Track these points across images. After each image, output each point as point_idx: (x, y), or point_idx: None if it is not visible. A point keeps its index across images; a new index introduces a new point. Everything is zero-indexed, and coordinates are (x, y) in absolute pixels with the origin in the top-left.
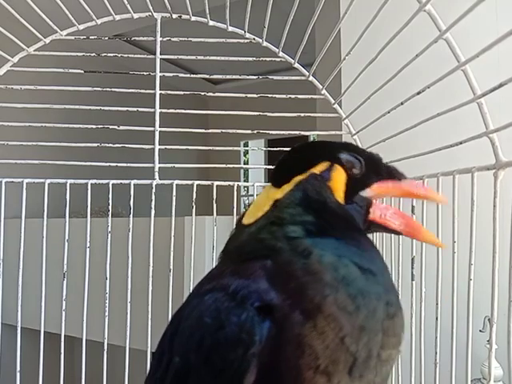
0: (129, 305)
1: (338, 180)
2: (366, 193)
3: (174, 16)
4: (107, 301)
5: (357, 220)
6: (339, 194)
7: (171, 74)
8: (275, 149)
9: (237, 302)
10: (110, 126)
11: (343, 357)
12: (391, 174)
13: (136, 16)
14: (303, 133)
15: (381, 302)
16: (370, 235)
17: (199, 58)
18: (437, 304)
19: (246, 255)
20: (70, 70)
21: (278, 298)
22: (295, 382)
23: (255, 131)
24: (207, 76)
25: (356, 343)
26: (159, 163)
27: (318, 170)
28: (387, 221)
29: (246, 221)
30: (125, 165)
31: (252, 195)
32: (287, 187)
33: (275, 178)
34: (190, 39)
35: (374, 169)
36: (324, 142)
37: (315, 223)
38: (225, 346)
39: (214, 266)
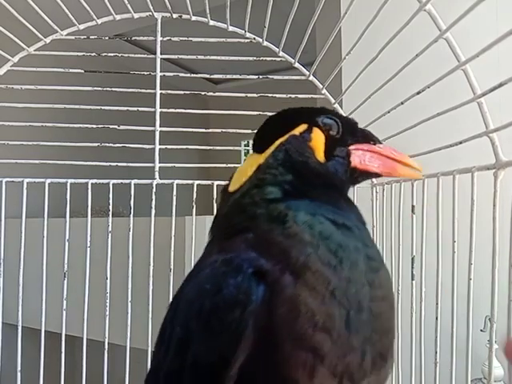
0: (129, 304)
1: (318, 140)
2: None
3: (175, 16)
4: (108, 300)
5: (340, 173)
6: (319, 154)
7: (172, 74)
8: None
9: (232, 267)
10: (111, 126)
11: (337, 310)
12: (367, 137)
13: (136, 16)
14: None
15: (360, 255)
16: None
17: (199, 57)
18: (437, 304)
19: (229, 230)
20: (71, 70)
21: (267, 264)
22: (295, 343)
23: (255, 131)
24: (208, 76)
25: (345, 295)
26: (160, 163)
27: (297, 131)
28: (367, 165)
29: (231, 188)
30: (125, 164)
31: None
32: (269, 151)
33: (257, 145)
34: (190, 39)
35: (350, 131)
36: (301, 107)
37: (294, 183)
38: (223, 308)
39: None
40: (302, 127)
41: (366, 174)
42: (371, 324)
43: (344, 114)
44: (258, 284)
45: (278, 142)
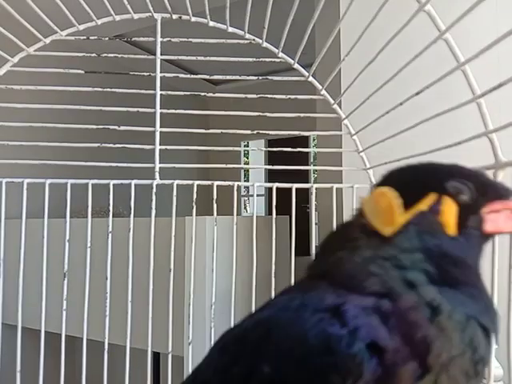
0: (129, 304)
1: (449, 213)
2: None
3: (175, 17)
4: (108, 300)
5: (474, 246)
6: (450, 228)
7: (171, 75)
8: (275, 149)
9: (348, 330)
10: (111, 127)
11: None
12: (499, 193)
13: (136, 16)
14: (303, 133)
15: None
16: None
17: (199, 58)
18: None
19: (355, 281)
20: (71, 71)
21: (390, 340)
22: None
23: (255, 131)
24: (207, 76)
25: None
26: (160, 163)
27: (425, 205)
28: (502, 228)
29: (385, 231)
30: (125, 165)
31: (252, 195)
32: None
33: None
34: (190, 40)
35: (482, 191)
36: (429, 166)
37: (435, 272)
38: (333, 373)
39: (215, 267)
40: (431, 198)
41: (497, 234)
42: None
43: (474, 170)
44: (371, 356)
45: (406, 217)
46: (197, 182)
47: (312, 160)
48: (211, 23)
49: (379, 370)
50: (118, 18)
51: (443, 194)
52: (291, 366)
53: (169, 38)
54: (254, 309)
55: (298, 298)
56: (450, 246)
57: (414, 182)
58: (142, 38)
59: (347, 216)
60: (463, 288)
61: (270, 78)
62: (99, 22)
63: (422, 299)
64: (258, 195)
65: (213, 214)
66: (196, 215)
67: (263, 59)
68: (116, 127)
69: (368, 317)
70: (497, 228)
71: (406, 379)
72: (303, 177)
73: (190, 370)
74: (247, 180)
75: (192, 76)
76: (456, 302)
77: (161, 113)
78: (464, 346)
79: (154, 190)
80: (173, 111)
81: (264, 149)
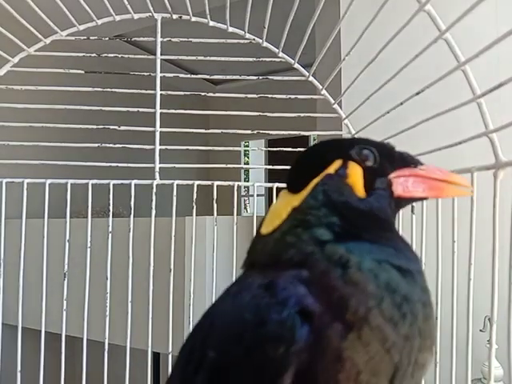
0: (129, 305)
1: (355, 175)
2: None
3: (175, 16)
4: (108, 301)
5: (384, 207)
6: (359, 189)
7: (172, 75)
8: (275, 149)
9: (277, 301)
10: (111, 127)
11: (385, 368)
12: (406, 161)
13: (136, 16)
14: (303, 133)
15: (419, 305)
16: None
17: (199, 58)
18: (437, 304)
19: (276, 262)
20: (71, 71)
21: (315, 305)
22: None
23: (255, 131)
24: (207, 76)
25: (400, 353)
26: (160, 163)
27: (332, 169)
28: (411, 192)
29: (264, 230)
30: (125, 165)
31: (252, 195)
32: (305, 192)
33: (291, 184)
34: (190, 40)
35: (388, 158)
36: (333, 140)
37: (341, 224)
38: (266, 343)
39: (215, 267)
40: (337, 163)
41: (411, 200)
42: (414, 376)
43: (378, 140)
44: (302, 324)
45: (313, 183)
46: (197, 182)
47: None
48: (211, 23)
49: (311, 336)
50: (118, 18)
51: (349, 159)
52: (232, 345)
53: (169, 38)
54: None
55: (234, 287)
56: (359, 203)
57: (322, 152)
58: (142, 38)
59: None
60: (370, 236)
61: (270, 77)
62: (99, 22)
63: (331, 259)
64: (258, 195)
65: (213, 214)
66: (196, 215)
67: (263, 59)
68: (116, 127)
69: (295, 287)
70: (406, 191)
71: (333, 342)
72: None
73: None
74: (247, 180)
75: (192, 76)
76: (363, 252)
77: (161, 113)
78: (381, 291)
79: (154, 190)
80: (173, 111)
81: (264, 149)
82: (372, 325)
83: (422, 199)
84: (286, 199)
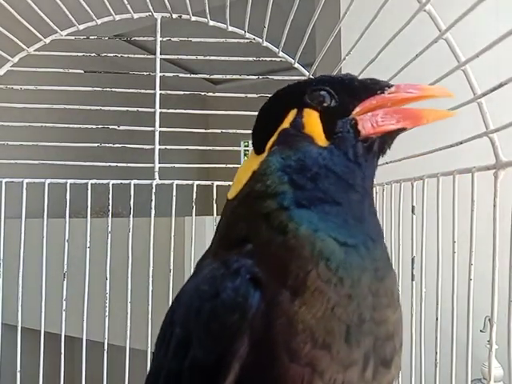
0: (129, 305)
1: (312, 123)
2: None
3: (174, 16)
4: (107, 301)
5: (349, 152)
6: (319, 137)
7: (171, 74)
8: None
9: (230, 271)
10: (110, 126)
11: (336, 326)
12: (370, 89)
13: (136, 16)
14: None
15: (366, 272)
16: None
17: (199, 58)
18: (437, 304)
19: (228, 240)
20: (70, 70)
21: (262, 274)
22: (292, 358)
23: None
24: (207, 76)
25: (345, 311)
26: (159, 163)
27: (287, 122)
28: (383, 126)
29: (229, 195)
30: (125, 165)
31: None
32: (264, 154)
33: (253, 144)
34: (190, 39)
35: (349, 92)
36: (286, 87)
37: (292, 192)
38: (222, 310)
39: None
40: (292, 114)
41: (390, 136)
42: (374, 332)
43: (337, 74)
44: (254, 290)
45: (270, 143)
46: (196, 182)
47: None
48: (211, 22)
49: (262, 303)
50: (117, 17)
51: (303, 107)
52: (192, 319)
53: (169, 38)
54: None
55: (196, 271)
56: (317, 157)
57: (277, 104)
58: (141, 38)
59: None
60: (317, 206)
61: (270, 77)
62: (99, 21)
63: (274, 228)
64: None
65: (213, 214)
66: (196, 215)
67: (263, 58)
68: (115, 127)
69: (245, 260)
70: (376, 128)
71: (284, 307)
72: None
73: None
74: None
75: (192, 75)
76: (303, 220)
77: (160, 112)
78: (316, 258)
79: (154, 189)
80: (172, 111)
81: None
82: (312, 288)
83: (399, 132)
84: (250, 161)
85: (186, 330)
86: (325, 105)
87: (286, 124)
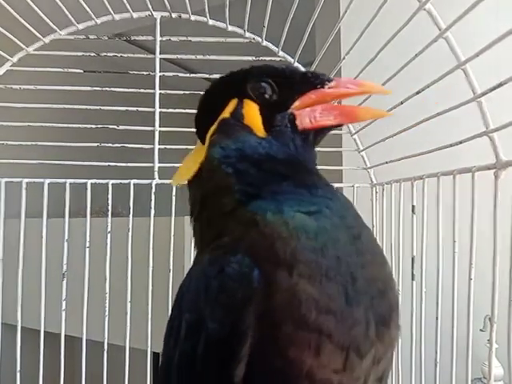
0: (129, 305)
1: (251, 114)
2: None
3: (174, 15)
4: (107, 301)
5: (287, 145)
6: (258, 128)
7: (171, 74)
8: None
9: (230, 250)
10: (110, 126)
11: (335, 289)
12: (310, 82)
13: (135, 15)
14: None
15: (340, 230)
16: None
17: (199, 57)
18: (437, 304)
19: (207, 244)
20: (70, 70)
21: (254, 258)
22: (299, 327)
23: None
24: (207, 75)
25: (338, 272)
26: (159, 163)
27: (227, 112)
28: (320, 121)
29: (177, 179)
30: (124, 164)
31: None
32: (206, 144)
33: (197, 133)
34: (189, 39)
35: (289, 85)
36: (228, 75)
37: (241, 187)
38: (230, 282)
39: None
40: (232, 104)
41: (326, 130)
42: (368, 290)
43: (280, 65)
44: (254, 268)
45: (210, 132)
46: None
47: None
48: (211, 22)
49: (262, 280)
50: (117, 17)
51: (244, 97)
52: (202, 298)
53: (168, 37)
54: None
55: (191, 267)
56: (256, 146)
57: (218, 91)
58: (141, 37)
59: None
60: (267, 192)
61: None
62: (98, 21)
63: (241, 224)
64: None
65: None
66: None
67: (263, 58)
68: (115, 127)
69: (236, 243)
70: (313, 123)
71: (283, 282)
72: None
73: None
74: None
75: (191, 75)
76: (264, 209)
77: (160, 112)
78: (294, 233)
79: (153, 189)
80: (172, 110)
81: None
82: (302, 259)
83: (335, 127)
84: (196, 152)
85: (197, 311)
86: (266, 96)
87: (226, 113)
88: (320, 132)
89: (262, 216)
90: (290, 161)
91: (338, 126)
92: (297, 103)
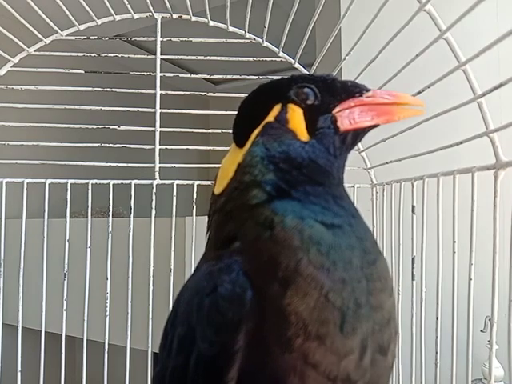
0: (129, 305)
1: (296, 118)
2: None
3: (175, 16)
4: (108, 301)
5: (330, 147)
6: (302, 133)
7: (172, 74)
8: None
9: (225, 266)
10: (111, 126)
11: (331, 314)
12: (350, 91)
13: (136, 16)
14: None
15: (355, 251)
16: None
17: (200, 58)
18: (437, 304)
19: (221, 239)
20: (71, 71)
21: (252, 270)
22: (285, 350)
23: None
24: (208, 76)
25: (340, 296)
26: (160, 163)
27: (272, 116)
28: (359, 123)
29: (216, 190)
30: (125, 165)
31: None
32: (247, 145)
33: (236, 137)
34: (190, 39)
35: (330, 92)
36: (271, 83)
37: (277, 181)
38: (222, 301)
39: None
40: (276, 109)
41: (363, 132)
42: (371, 318)
43: (321, 74)
44: (248, 284)
45: (253, 135)
46: (197, 182)
47: None
48: (211, 23)
49: (254, 298)
50: (118, 17)
51: (288, 102)
52: (194, 315)
53: (169, 38)
54: None
55: (194, 272)
56: (300, 151)
57: (261, 98)
58: (142, 38)
59: None
60: (301, 193)
61: (270, 77)
62: (99, 21)
63: (260, 223)
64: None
65: None
66: (196, 215)
67: (264, 59)
68: (116, 127)
69: (236, 256)
70: (353, 124)
71: (275, 300)
72: None
73: None
74: None
75: (192, 76)
76: (287, 211)
77: (161, 112)
78: (306, 244)
79: (154, 189)
80: (173, 111)
81: None
82: (304, 275)
83: (372, 128)
84: (233, 155)
85: (189, 326)
86: (308, 102)
87: (270, 118)
88: (358, 133)
89: (280, 218)
90: (328, 168)
91: (375, 127)
92: (337, 109)
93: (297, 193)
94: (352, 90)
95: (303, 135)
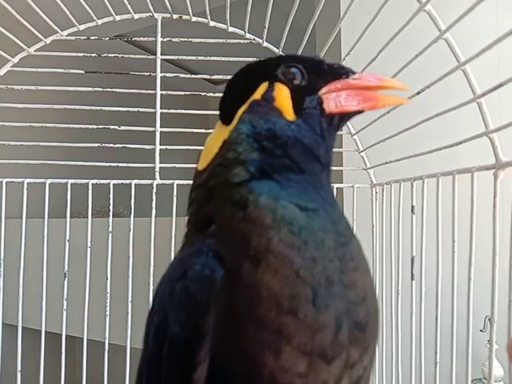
0: (130, 304)
1: (282, 97)
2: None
3: (175, 16)
4: (108, 301)
5: (315, 128)
6: (288, 112)
7: (172, 75)
8: None
9: (195, 251)
10: (111, 126)
11: (302, 290)
12: (336, 72)
13: (137, 16)
14: None
15: (328, 234)
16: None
17: (200, 58)
18: (437, 304)
19: (199, 221)
20: (71, 71)
21: (223, 250)
22: (259, 326)
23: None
24: (208, 76)
25: (311, 273)
26: (160, 163)
27: (258, 94)
28: (344, 106)
29: (199, 166)
30: (126, 165)
31: None
32: (234, 122)
33: (222, 114)
34: (190, 40)
35: (317, 73)
36: (258, 62)
37: (260, 160)
38: (192, 284)
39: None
40: (263, 87)
41: (348, 116)
42: (345, 295)
43: (308, 55)
44: (218, 264)
45: (240, 112)
46: None
47: None
48: (211, 23)
49: (225, 278)
50: (118, 17)
51: (275, 81)
52: (167, 301)
53: (169, 38)
54: None
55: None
56: (286, 129)
57: (248, 76)
58: (142, 38)
59: (347, 215)
60: (281, 175)
61: None
62: (100, 22)
63: (235, 202)
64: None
65: None
66: None
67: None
68: (116, 127)
69: (208, 239)
70: (339, 107)
71: (247, 277)
72: None
73: None
74: None
75: (192, 76)
76: (263, 190)
77: (161, 113)
78: (278, 223)
79: (155, 189)
80: (173, 111)
81: None
82: (275, 252)
83: (357, 113)
84: (219, 132)
85: (164, 314)
86: (295, 82)
87: (257, 95)
88: (343, 117)
89: (255, 197)
90: (314, 149)
91: (360, 113)
92: (324, 90)
93: (278, 175)
94: (339, 72)
95: (289, 114)
